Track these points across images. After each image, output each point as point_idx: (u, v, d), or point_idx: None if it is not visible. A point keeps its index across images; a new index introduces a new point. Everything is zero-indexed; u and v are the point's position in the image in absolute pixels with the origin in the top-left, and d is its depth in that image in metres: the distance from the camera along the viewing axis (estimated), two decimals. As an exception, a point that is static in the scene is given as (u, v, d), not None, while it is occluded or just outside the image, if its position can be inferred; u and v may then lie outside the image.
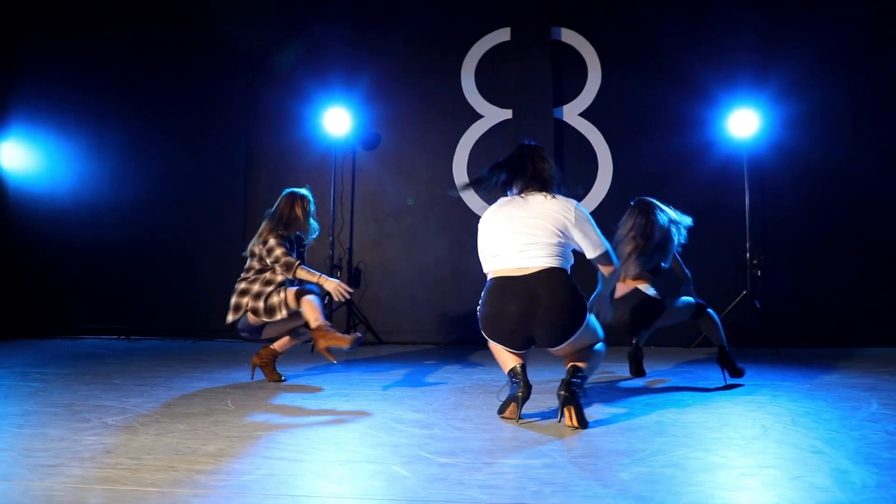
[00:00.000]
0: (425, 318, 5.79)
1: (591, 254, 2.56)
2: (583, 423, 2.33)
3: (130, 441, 2.17)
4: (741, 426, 2.41)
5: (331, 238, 5.79)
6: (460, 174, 5.94)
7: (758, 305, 5.25)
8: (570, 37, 5.93)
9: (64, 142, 6.30)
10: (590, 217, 2.56)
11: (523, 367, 2.48)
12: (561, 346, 2.48)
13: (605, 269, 2.65)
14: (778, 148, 5.54)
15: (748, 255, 5.42)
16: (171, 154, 6.20)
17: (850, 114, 5.49)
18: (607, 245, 2.57)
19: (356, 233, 6.00)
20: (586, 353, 2.51)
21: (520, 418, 2.44)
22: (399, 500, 1.59)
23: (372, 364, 4.37)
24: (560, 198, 2.55)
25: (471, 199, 5.93)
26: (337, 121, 5.63)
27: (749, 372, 3.92)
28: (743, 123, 5.31)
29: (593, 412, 2.64)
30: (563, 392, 2.35)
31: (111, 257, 6.14)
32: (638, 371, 3.63)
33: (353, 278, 5.91)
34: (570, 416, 2.33)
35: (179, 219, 6.14)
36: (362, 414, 2.65)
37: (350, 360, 4.56)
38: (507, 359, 2.53)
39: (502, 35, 5.97)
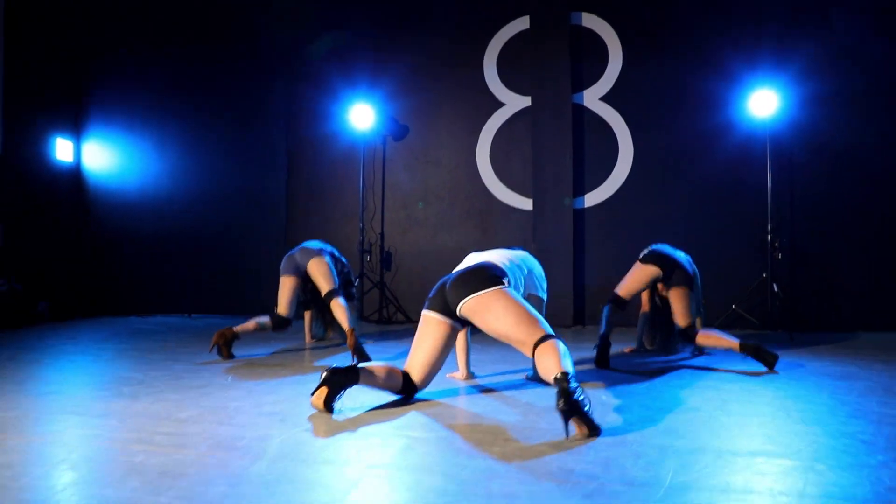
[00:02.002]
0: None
1: None
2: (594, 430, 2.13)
3: (127, 407, 2.65)
4: (662, 409, 2.59)
5: (361, 224, 6.21)
6: (483, 161, 6.17)
7: (776, 289, 5.18)
8: (590, 21, 5.97)
9: (132, 142, 7.06)
10: None
11: None
12: None
13: None
14: (799, 128, 5.39)
15: (769, 237, 5.34)
16: (222, 151, 6.82)
17: (874, 92, 5.24)
18: None
19: (387, 219, 6.39)
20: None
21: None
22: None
23: (397, 342, 4.75)
24: None
25: (493, 185, 6.15)
26: (362, 116, 6.01)
27: (733, 357, 3.97)
28: (763, 103, 5.20)
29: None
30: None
31: (173, 244, 6.87)
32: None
33: (384, 262, 6.32)
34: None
35: (231, 208, 6.77)
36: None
37: (381, 337, 4.93)
38: None
39: (522, 23, 6.09)
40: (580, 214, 5.95)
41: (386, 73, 6.34)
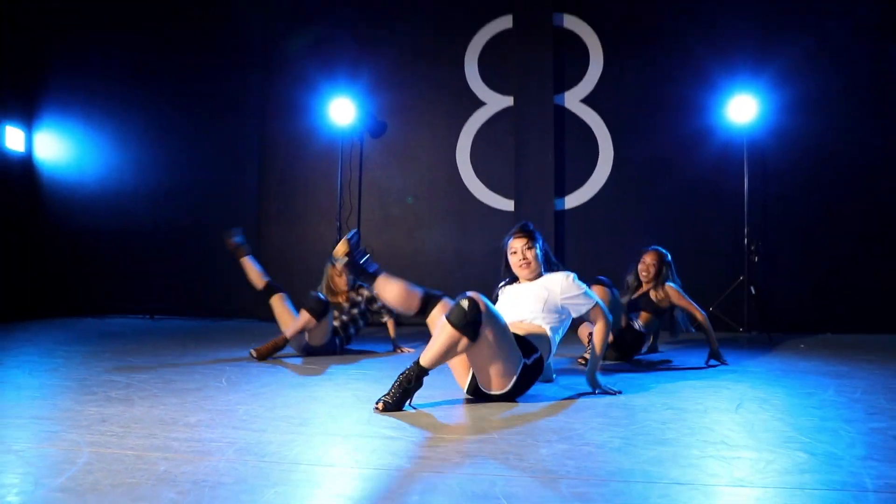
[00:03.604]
0: (430, 300, 5.99)
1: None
2: None
3: (125, 412, 2.45)
4: (685, 409, 2.58)
5: (338, 224, 6.04)
6: (463, 160, 6.11)
7: (753, 291, 5.32)
8: (572, 23, 6.00)
9: (91, 133, 6.66)
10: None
11: None
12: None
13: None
14: (777, 133, 5.56)
15: (746, 240, 5.48)
16: (189, 143, 6.51)
17: (850, 99, 5.47)
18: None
19: (363, 218, 6.24)
20: None
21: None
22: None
23: (376, 344, 4.61)
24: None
25: (473, 185, 6.10)
26: (342, 111, 5.85)
27: (729, 356, 4.05)
28: (742, 109, 5.34)
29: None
30: None
31: (135, 241, 6.50)
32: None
33: (360, 262, 6.15)
34: None
35: (198, 205, 6.46)
36: (340, 395, 2.89)
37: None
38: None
39: (505, 22, 6.06)
40: (560, 216, 5.96)
41: (365, 68, 6.19)
